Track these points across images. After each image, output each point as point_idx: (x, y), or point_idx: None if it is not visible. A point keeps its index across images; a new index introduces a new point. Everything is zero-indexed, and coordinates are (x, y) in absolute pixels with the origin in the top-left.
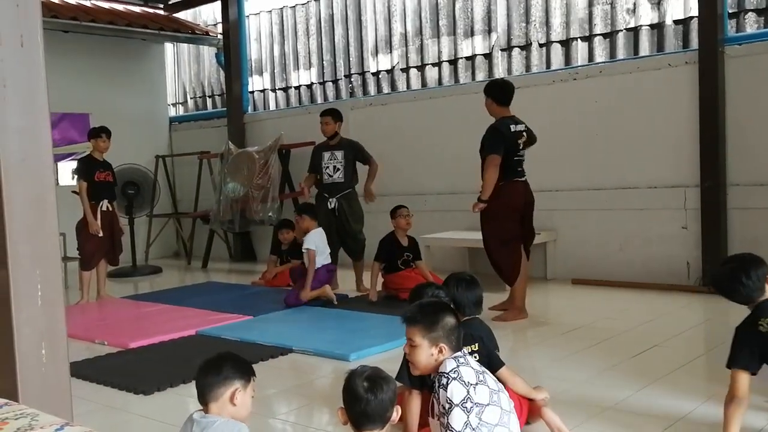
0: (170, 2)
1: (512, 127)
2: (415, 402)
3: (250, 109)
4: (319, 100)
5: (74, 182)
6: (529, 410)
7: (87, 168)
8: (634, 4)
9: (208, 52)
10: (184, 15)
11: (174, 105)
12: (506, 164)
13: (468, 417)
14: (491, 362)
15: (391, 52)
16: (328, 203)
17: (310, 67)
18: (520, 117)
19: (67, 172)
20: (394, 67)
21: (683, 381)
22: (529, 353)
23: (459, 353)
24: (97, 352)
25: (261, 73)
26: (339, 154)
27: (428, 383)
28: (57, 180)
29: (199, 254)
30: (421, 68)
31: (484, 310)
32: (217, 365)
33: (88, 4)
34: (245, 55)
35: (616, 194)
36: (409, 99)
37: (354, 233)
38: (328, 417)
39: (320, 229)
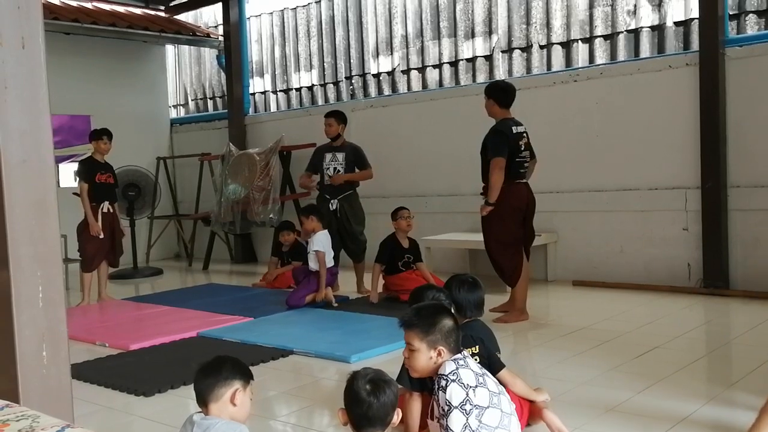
0: (171, 4)
1: (514, 129)
2: (416, 404)
3: (251, 110)
4: (320, 101)
5: (75, 184)
6: (529, 412)
7: (88, 170)
8: (635, 5)
9: (209, 54)
10: (185, 17)
11: (175, 107)
12: (509, 166)
13: (467, 419)
14: (492, 364)
15: (391, 53)
16: (330, 204)
17: (310, 68)
18: (521, 119)
19: (68, 173)
20: (394, 68)
21: (684, 383)
22: (530, 355)
23: (459, 355)
24: (98, 354)
25: (262, 75)
26: (340, 156)
27: (429, 386)
28: (58, 181)
29: (200, 256)
30: (421, 70)
31: (485, 312)
32: (216, 366)
33: (89, 6)
34: (246, 57)
35: (617, 196)
36: (409, 101)
37: (355, 235)
38: (329, 419)
39: (326, 231)
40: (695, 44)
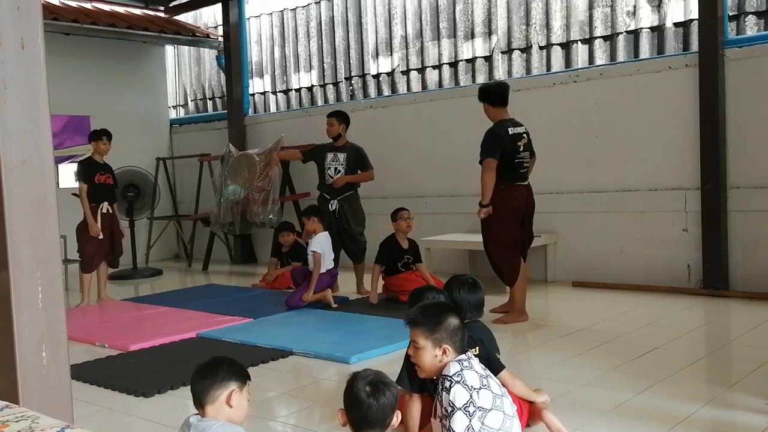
0: (171, 5)
1: (510, 130)
2: (416, 406)
3: (250, 111)
4: (320, 102)
5: (75, 184)
6: (529, 413)
7: (87, 170)
8: (635, 6)
9: (208, 55)
10: (185, 17)
11: (174, 107)
12: (507, 167)
13: (470, 421)
14: (491, 365)
15: (391, 54)
16: (330, 205)
17: (310, 69)
18: (521, 119)
19: (68, 174)
20: (394, 69)
21: (684, 383)
22: (530, 356)
23: (464, 356)
24: (97, 355)
25: (261, 76)
26: (342, 157)
27: (429, 387)
28: (58, 182)
29: (199, 256)
30: (421, 71)
31: (485, 312)
32: (212, 368)
33: (88, 6)
34: (246, 58)
35: (617, 197)
36: (409, 101)
37: (355, 235)
38: (329, 419)
39: (326, 233)
40: (695, 45)
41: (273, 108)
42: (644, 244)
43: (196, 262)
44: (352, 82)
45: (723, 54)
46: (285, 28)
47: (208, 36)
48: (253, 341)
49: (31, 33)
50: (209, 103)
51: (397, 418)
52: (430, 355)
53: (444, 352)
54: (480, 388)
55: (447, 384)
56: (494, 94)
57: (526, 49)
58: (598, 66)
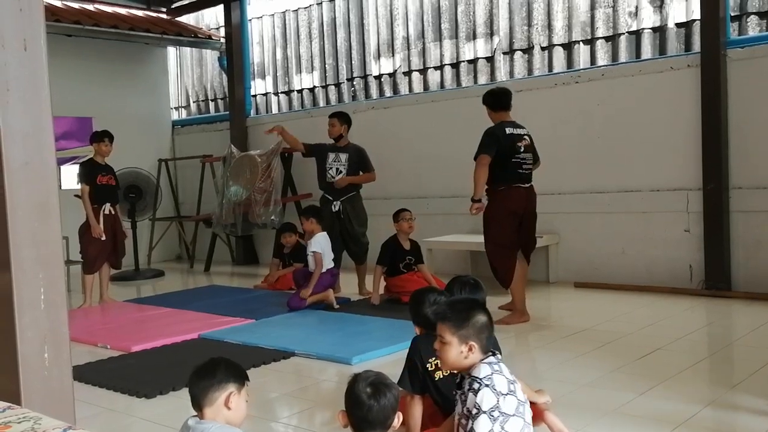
0: (173, 6)
1: (508, 130)
2: (417, 407)
3: (252, 112)
4: (322, 103)
5: (77, 186)
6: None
7: (89, 172)
8: (636, 7)
9: (210, 56)
10: (187, 19)
11: (177, 108)
12: (504, 167)
13: (493, 426)
14: None
15: (393, 55)
16: (333, 206)
17: (312, 70)
18: (523, 120)
19: (70, 175)
20: (396, 70)
21: (687, 384)
22: (532, 356)
23: (493, 359)
24: (99, 356)
25: (263, 77)
26: (343, 157)
27: (430, 388)
28: (60, 184)
29: (201, 258)
30: (423, 71)
31: (495, 309)
32: (210, 370)
33: (91, 8)
34: (248, 59)
35: (619, 197)
36: (411, 102)
37: (357, 236)
38: (330, 420)
39: (325, 233)
40: (696, 46)
41: (275, 109)
42: (646, 245)
43: (198, 263)
44: (354, 83)
45: (725, 54)
46: (287, 29)
47: (210, 37)
48: (255, 342)
49: (33, 34)
50: (211, 105)
51: (398, 420)
52: (456, 351)
53: (470, 349)
54: (507, 394)
55: (475, 386)
56: (494, 98)
57: (528, 50)
58: (599, 67)
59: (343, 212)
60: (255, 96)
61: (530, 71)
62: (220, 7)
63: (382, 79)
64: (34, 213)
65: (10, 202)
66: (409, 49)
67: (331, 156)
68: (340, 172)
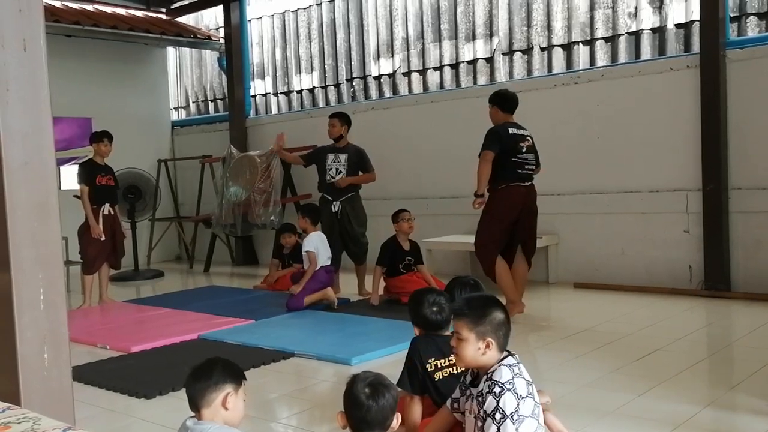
0: (172, 6)
1: (510, 130)
2: (416, 408)
3: (252, 113)
4: (321, 104)
5: (77, 186)
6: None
7: (88, 172)
8: (636, 8)
9: (210, 56)
10: (186, 19)
11: (176, 109)
12: (505, 165)
13: (516, 429)
14: None
15: (392, 55)
16: (332, 206)
17: (312, 71)
18: (522, 120)
19: (69, 176)
20: (395, 70)
21: (686, 385)
22: (531, 357)
23: (512, 360)
24: (99, 356)
25: (263, 77)
26: (343, 158)
27: (429, 389)
28: (59, 184)
29: (201, 258)
30: (422, 72)
31: None
32: (207, 370)
33: (90, 8)
34: (247, 59)
35: (618, 198)
36: (410, 103)
37: (357, 236)
38: (330, 421)
39: (319, 232)
40: (696, 46)
41: (274, 109)
42: (646, 246)
43: (197, 263)
44: (354, 83)
45: (724, 55)
46: (286, 29)
47: (209, 38)
48: (255, 343)
49: (32, 35)
50: (211, 105)
51: (397, 420)
52: (473, 347)
53: (487, 346)
54: (526, 397)
55: (496, 390)
56: (504, 101)
57: (528, 51)
58: (599, 67)
59: (342, 212)
60: (254, 96)
61: (530, 72)
62: (220, 8)
63: (382, 80)
64: (33, 213)
65: (9, 203)
66: (408, 50)
67: (331, 157)
68: (340, 172)
